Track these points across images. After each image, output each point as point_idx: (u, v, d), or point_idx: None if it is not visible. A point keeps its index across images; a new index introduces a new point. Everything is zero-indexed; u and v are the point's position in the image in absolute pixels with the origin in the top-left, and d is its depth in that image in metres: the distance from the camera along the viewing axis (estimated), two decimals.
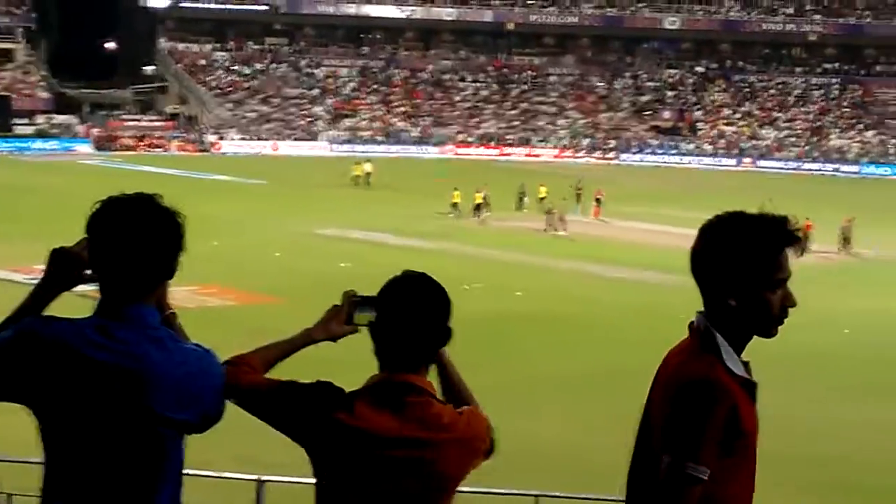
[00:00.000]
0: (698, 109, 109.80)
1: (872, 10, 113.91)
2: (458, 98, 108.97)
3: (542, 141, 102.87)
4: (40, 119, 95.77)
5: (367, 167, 71.40)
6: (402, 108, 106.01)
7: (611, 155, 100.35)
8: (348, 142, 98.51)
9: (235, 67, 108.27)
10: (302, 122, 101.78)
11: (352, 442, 3.75)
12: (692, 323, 3.88)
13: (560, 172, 79.62)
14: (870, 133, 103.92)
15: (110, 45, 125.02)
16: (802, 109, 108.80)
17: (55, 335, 3.57)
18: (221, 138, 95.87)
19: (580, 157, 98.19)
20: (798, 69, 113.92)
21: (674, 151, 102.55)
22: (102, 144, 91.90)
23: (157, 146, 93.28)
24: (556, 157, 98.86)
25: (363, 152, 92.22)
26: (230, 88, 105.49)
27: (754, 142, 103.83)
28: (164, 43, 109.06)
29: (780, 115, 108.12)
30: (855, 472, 22.51)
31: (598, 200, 59.03)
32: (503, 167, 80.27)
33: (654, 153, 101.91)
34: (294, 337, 4.10)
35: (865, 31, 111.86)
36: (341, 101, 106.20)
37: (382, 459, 3.76)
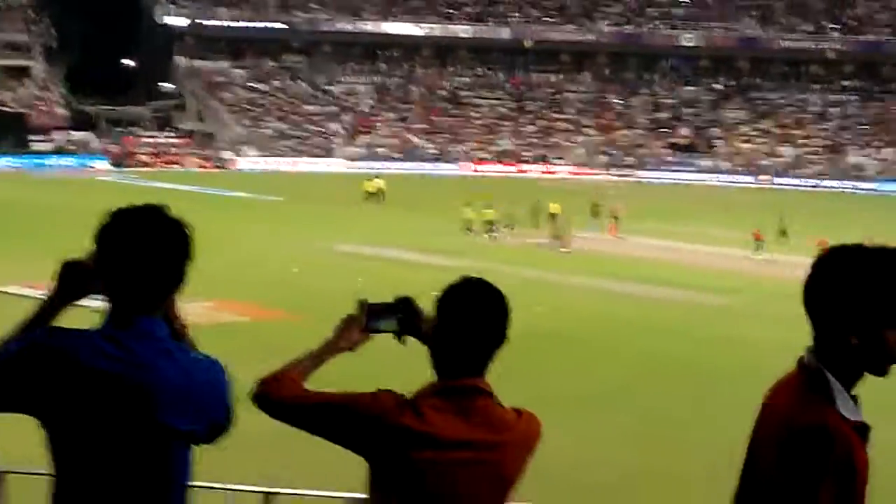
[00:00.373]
0: (716, 126, 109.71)
1: (891, 27, 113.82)
2: (475, 115, 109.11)
3: (559, 158, 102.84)
4: (57, 136, 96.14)
5: (380, 183, 71.50)
6: (420, 125, 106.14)
7: (628, 172, 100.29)
8: (365, 158, 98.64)
9: (253, 84, 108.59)
10: (319, 139, 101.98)
11: (421, 446, 3.79)
12: (801, 359, 3.72)
13: (577, 189, 79.63)
14: (888, 150, 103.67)
15: (129, 62, 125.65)
16: (820, 127, 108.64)
17: (64, 346, 3.57)
18: (238, 155, 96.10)
19: (597, 174, 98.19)
20: (816, 86, 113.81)
21: (691, 168, 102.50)
22: (119, 161, 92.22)
23: (174, 163, 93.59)
24: (573, 173, 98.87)
25: (380, 169, 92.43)
26: (247, 105, 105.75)
27: (772, 159, 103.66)
28: (181, 60, 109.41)
29: (797, 132, 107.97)
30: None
31: (615, 218, 58.97)
32: (520, 184, 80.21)
33: (671, 170, 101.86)
34: (319, 350, 4.12)
35: (884, 48, 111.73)
36: (358, 118, 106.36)
37: (452, 462, 3.82)
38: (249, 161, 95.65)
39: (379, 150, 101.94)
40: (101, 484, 3.61)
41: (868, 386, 3.71)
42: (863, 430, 3.55)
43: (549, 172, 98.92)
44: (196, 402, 3.65)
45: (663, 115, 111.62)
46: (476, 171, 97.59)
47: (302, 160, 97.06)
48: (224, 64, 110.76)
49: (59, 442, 3.63)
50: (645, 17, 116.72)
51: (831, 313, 3.53)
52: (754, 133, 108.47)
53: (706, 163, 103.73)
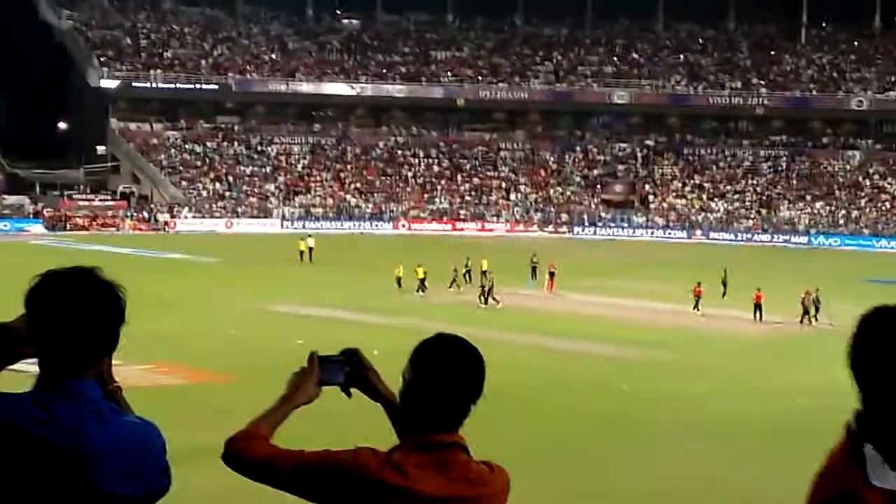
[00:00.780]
0: (649, 183, 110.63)
1: (817, 83, 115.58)
2: (410, 174, 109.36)
3: (494, 216, 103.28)
4: None
5: (311, 242, 71.98)
6: (355, 185, 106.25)
7: (563, 229, 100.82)
8: (302, 218, 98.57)
9: (187, 146, 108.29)
10: (255, 200, 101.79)
11: (404, 503, 3.77)
12: (847, 423, 3.54)
13: (513, 247, 79.93)
14: (819, 204, 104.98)
15: (62, 125, 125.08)
16: (752, 181, 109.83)
17: None
18: (175, 217, 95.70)
19: (533, 231, 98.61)
20: (746, 142, 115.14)
21: (625, 225, 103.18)
22: (55, 225, 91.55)
23: (110, 226, 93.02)
24: (508, 231, 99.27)
25: (317, 228, 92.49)
26: (182, 167, 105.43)
27: (705, 214, 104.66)
28: (115, 123, 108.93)
29: (729, 187, 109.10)
30: None
31: (551, 274, 59.22)
32: (455, 242, 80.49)
33: (606, 226, 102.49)
34: (279, 405, 4.04)
35: (811, 103, 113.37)
36: (294, 178, 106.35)
37: None
38: (186, 223, 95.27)
39: (315, 209, 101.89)
40: None
41: None
42: None
43: (485, 230, 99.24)
44: (130, 465, 3.55)
45: (596, 171, 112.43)
46: (412, 229, 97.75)
47: (238, 221, 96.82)
48: (158, 126, 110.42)
49: None
50: (576, 75, 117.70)
51: (877, 376, 3.36)
52: (687, 188, 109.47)
53: (640, 219, 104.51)
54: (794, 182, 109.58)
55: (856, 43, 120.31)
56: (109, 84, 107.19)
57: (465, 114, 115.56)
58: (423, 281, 56.27)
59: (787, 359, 41.95)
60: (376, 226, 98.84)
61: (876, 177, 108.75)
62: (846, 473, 3.36)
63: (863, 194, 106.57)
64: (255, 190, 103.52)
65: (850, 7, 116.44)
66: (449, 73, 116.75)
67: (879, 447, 3.35)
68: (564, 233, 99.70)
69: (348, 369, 4.12)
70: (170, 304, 47.08)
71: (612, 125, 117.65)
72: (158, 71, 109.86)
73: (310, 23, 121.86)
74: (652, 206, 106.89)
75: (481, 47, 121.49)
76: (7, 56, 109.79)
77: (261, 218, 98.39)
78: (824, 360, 41.35)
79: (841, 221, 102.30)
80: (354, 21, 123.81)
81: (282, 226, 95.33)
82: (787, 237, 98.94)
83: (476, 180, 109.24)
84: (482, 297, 53.03)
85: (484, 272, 57.89)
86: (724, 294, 55.79)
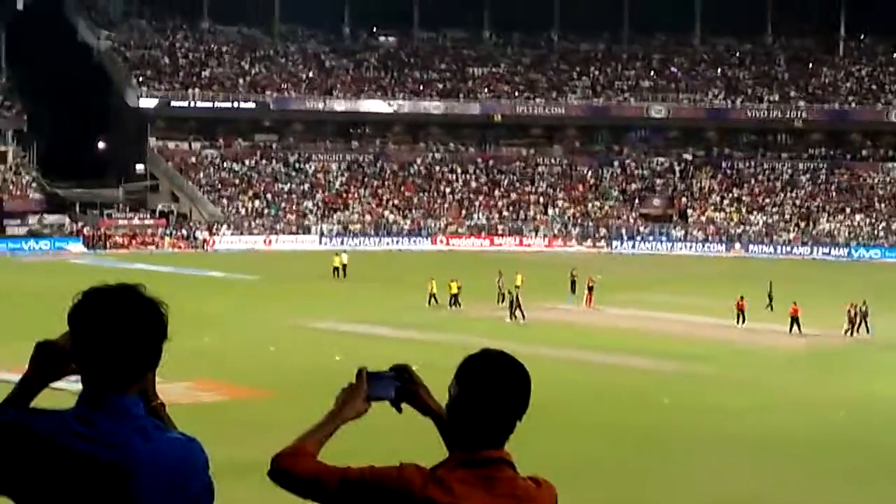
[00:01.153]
0: (687, 196, 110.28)
1: (856, 95, 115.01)
2: (447, 190, 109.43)
3: (532, 231, 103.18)
4: (32, 219, 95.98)
5: (344, 258, 72.65)
6: (393, 201, 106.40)
7: (602, 243, 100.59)
8: (340, 235, 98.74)
9: (226, 164, 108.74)
10: (293, 217, 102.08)
11: None
12: None
13: (552, 262, 79.83)
14: (858, 216, 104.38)
15: (101, 145, 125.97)
16: (791, 194, 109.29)
17: (36, 427, 3.52)
18: (213, 235, 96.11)
19: (571, 246, 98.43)
20: (785, 155, 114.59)
21: (664, 239, 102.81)
22: (94, 243, 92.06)
23: (150, 244, 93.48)
24: (546, 246, 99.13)
25: (354, 245, 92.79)
26: (220, 185, 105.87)
27: (744, 227, 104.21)
28: (153, 142, 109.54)
29: (768, 200, 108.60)
30: None
31: (590, 289, 59.09)
32: (493, 257, 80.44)
33: (644, 241, 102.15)
34: (327, 420, 4.01)
35: (850, 116, 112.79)
36: (332, 196, 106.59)
37: None
38: (225, 240, 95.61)
39: (353, 226, 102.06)
40: None
41: None
42: None
43: (523, 245, 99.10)
44: (173, 481, 3.56)
45: (635, 185, 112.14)
46: (450, 245, 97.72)
47: (277, 238, 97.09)
48: (196, 144, 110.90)
49: None
50: (613, 90, 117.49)
51: None
52: (725, 202, 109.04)
53: (679, 233, 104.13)
54: (834, 195, 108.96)
55: (895, 55, 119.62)
56: (148, 103, 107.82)
57: (503, 129, 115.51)
58: (455, 296, 56.31)
59: (827, 372, 41.74)
60: (414, 242, 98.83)
61: None
62: None
63: None
64: (294, 207, 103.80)
65: (889, 19, 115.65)
66: (486, 89, 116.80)
67: None
68: (603, 247, 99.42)
69: (399, 384, 4.10)
70: (210, 321, 47.26)
71: (650, 139, 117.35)
72: (196, 90, 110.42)
73: (347, 41, 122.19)
74: (690, 219, 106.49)
75: (518, 63, 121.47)
76: (46, 77, 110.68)
77: (299, 235, 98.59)
78: (864, 374, 41.21)
79: (881, 234, 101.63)
80: (391, 38, 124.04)
81: (320, 242, 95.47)
82: (826, 250, 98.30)
83: (514, 195, 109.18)
84: (511, 312, 52.87)
85: (517, 287, 57.97)
86: (768, 307, 55.35)
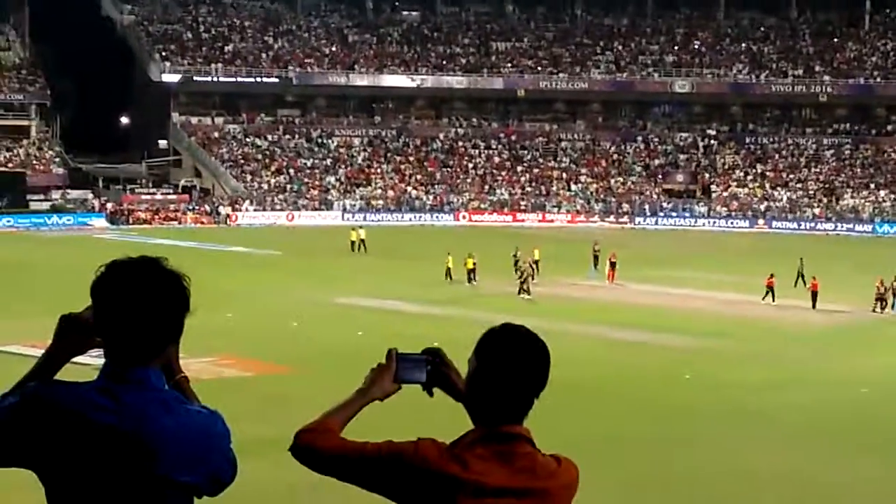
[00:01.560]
0: (710, 172, 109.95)
1: (881, 69, 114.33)
2: (470, 165, 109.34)
3: (555, 206, 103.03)
4: (55, 194, 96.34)
5: (361, 233, 72.80)
6: (416, 177, 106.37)
7: (624, 219, 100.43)
8: (362, 210, 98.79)
9: (248, 139, 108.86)
10: (316, 192, 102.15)
11: (466, 495, 3.75)
12: None
13: (574, 237, 79.76)
14: (883, 192, 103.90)
15: (123, 120, 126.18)
16: (815, 170, 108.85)
17: (59, 399, 3.55)
18: (236, 210, 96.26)
19: (593, 222, 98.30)
20: (809, 130, 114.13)
21: (687, 214, 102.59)
22: (117, 218, 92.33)
23: (172, 219, 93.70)
24: (569, 222, 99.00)
25: (377, 221, 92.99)
26: (243, 160, 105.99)
27: (767, 203, 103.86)
28: (176, 117, 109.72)
29: (792, 175, 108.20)
30: None
31: (612, 264, 58.93)
32: (515, 233, 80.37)
33: (667, 216, 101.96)
34: (352, 399, 4.03)
35: (875, 90, 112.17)
36: (354, 171, 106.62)
37: None
38: (247, 216, 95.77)
39: (375, 201, 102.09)
40: None
41: None
42: None
43: (546, 221, 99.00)
44: (194, 453, 3.59)
45: (658, 161, 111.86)
46: (472, 221, 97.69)
47: (299, 213, 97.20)
48: (219, 119, 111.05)
49: (56, 496, 3.60)
50: (637, 65, 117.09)
51: None
52: (749, 177, 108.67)
53: (702, 208, 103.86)
54: (858, 170, 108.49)
55: None
56: (171, 78, 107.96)
57: (526, 105, 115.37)
58: (472, 271, 56.22)
59: (851, 348, 41.61)
60: (437, 217, 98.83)
61: None
62: None
63: None
64: (316, 182, 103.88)
65: None
66: (509, 64, 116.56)
67: None
68: (626, 223, 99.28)
69: (430, 368, 4.10)
70: (232, 296, 47.36)
71: (674, 114, 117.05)
72: (219, 65, 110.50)
73: (369, 15, 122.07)
74: (714, 195, 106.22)
75: (541, 38, 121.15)
76: (70, 52, 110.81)
77: (322, 210, 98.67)
78: (890, 350, 41.05)
79: None
80: (414, 13, 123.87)
81: (343, 218, 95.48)
82: (850, 226, 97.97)
83: (536, 171, 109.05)
84: (520, 288, 52.56)
85: (536, 262, 58.01)
86: (798, 282, 54.90)
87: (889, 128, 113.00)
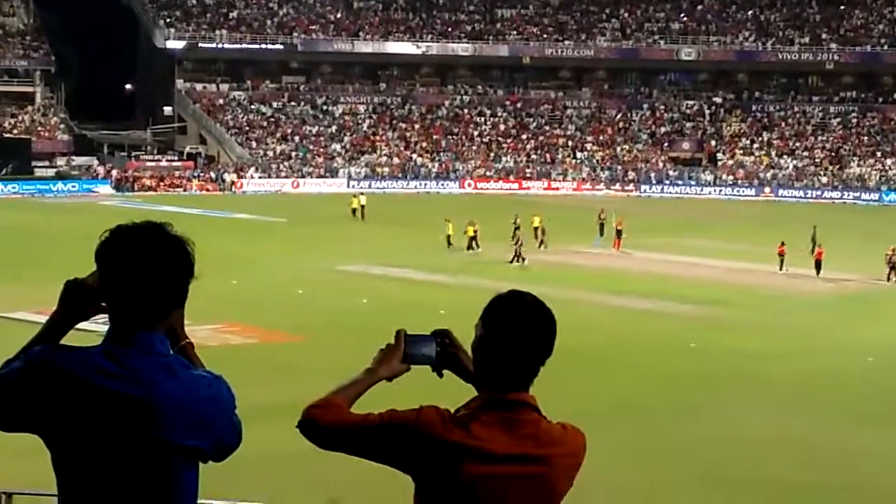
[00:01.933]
0: (717, 140, 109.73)
1: (888, 37, 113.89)
2: (475, 133, 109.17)
3: (560, 174, 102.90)
4: (60, 161, 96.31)
5: (362, 200, 73.22)
6: (421, 144, 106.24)
7: (630, 187, 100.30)
8: (368, 178, 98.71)
9: (253, 106, 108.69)
10: (321, 160, 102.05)
11: (470, 461, 3.76)
12: None
13: (580, 205, 79.73)
14: (890, 160, 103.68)
15: (128, 86, 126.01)
16: (821, 138, 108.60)
17: (64, 364, 3.55)
18: (241, 177, 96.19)
19: (599, 190, 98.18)
20: (815, 98, 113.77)
21: (693, 182, 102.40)
22: (122, 185, 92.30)
23: (177, 186, 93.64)
24: (575, 189, 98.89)
25: (382, 188, 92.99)
26: (248, 127, 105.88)
27: (773, 171, 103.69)
28: (181, 84, 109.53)
29: (798, 144, 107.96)
30: (872, 500, 22.40)
31: (618, 232, 58.89)
32: (520, 201, 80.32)
33: (673, 184, 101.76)
34: (360, 378, 4.02)
35: (882, 58, 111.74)
36: (360, 138, 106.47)
37: (501, 476, 3.79)
38: (252, 183, 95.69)
39: (380, 169, 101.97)
40: (105, 501, 3.58)
41: None
42: None
43: (552, 189, 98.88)
44: (199, 417, 3.59)
45: (664, 129, 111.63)
46: (478, 188, 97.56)
47: (304, 181, 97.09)
48: (224, 86, 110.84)
49: (61, 460, 3.61)
50: (643, 32, 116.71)
51: None
52: (755, 146, 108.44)
53: (708, 176, 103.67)
54: (865, 138, 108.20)
55: None
56: (175, 45, 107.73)
57: (531, 72, 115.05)
58: (473, 239, 56.13)
59: (857, 317, 41.64)
60: (442, 185, 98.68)
61: None
62: None
63: None
64: (321, 150, 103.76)
65: None
66: (514, 31, 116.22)
67: None
68: (631, 191, 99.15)
69: (439, 349, 4.08)
70: (237, 263, 47.42)
71: (680, 82, 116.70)
72: (224, 31, 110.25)
73: None
74: (720, 163, 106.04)
75: (547, 5, 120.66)
76: (74, 18, 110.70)
77: (327, 178, 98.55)
78: (894, 319, 41.06)
79: None
80: None
81: (348, 185, 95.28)
82: (857, 194, 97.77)
83: (542, 139, 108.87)
84: (515, 256, 52.37)
85: (536, 228, 58.04)
86: (812, 251, 54.35)
87: None
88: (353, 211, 72.07)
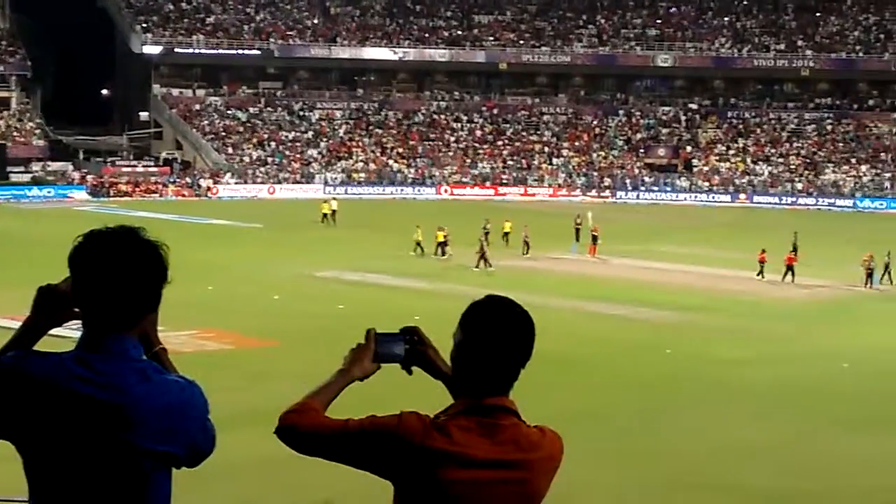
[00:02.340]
0: (692, 146, 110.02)
1: (863, 44, 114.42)
2: (452, 139, 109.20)
3: (536, 180, 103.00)
4: (36, 166, 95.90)
5: (334, 205, 73.30)
6: (397, 150, 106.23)
7: (606, 193, 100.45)
8: (344, 184, 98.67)
9: (230, 112, 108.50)
10: (297, 165, 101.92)
11: (450, 466, 3.77)
12: None
13: (557, 212, 79.81)
14: (864, 167, 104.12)
15: (104, 92, 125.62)
16: (796, 144, 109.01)
17: (35, 369, 3.54)
18: (217, 183, 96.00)
19: (576, 196, 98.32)
20: (791, 104, 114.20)
21: (669, 188, 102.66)
22: (98, 191, 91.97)
23: (153, 192, 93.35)
24: (551, 195, 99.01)
25: (358, 194, 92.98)
26: (224, 133, 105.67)
27: (749, 177, 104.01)
28: (157, 89, 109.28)
29: (774, 150, 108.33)
30: None
31: (594, 238, 59.01)
32: (497, 207, 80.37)
33: (649, 190, 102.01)
34: (333, 380, 4.02)
35: (857, 65, 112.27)
36: (336, 144, 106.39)
37: (480, 482, 3.79)
38: (228, 189, 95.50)
39: (357, 174, 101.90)
40: None
41: None
42: None
43: (528, 195, 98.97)
44: (172, 422, 3.58)
45: (640, 135, 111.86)
46: (454, 195, 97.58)
47: (281, 186, 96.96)
48: (200, 91, 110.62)
49: (33, 466, 3.60)
50: (620, 39, 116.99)
51: None
52: (731, 152, 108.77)
53: (684, 182, 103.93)
54: (840, 145, 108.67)
55: None
56: (152, 50, 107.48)
57: (508, 78, 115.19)
58: (442, 244, 56.02)
59: (832, 323, 41.77)
60: (419, 191, 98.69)
61: None
62: None
63: None
64: (298, 155, 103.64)
65: None
66: (491, 38, 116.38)
67: None
68: (607, 197, 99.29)
69: (408, 347, 4.09)
70: (213, 269, 47.33)
71: (656, 88, 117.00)
72: (201, 36, 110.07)
73: None
74: (696, 169, 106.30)
75: (524, 11, 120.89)
76: (50, 23, 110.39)
77: (303, 183, 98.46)
78: (872, 325, 41.23)
79: (887, 185, 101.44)
80: None
81: (324, 191, 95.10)
82: (832, 201, 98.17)
83: (518, 145, 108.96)
84: (480, 259, 52.30)
85: (506, 234, 58.31)
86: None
87: (871, 102, 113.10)
88: (324, 216, 72.02)
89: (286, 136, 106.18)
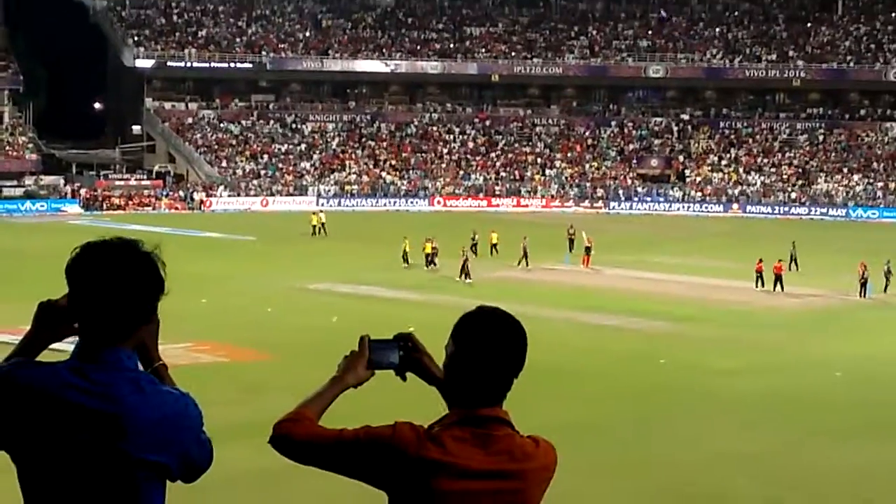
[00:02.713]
0: (685, 157, 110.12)
1: (854, 54, 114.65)
2: (445, 150, 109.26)
3: (529, 191, 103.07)
4: (28, 180, 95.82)
5: (322, 217, 73.80)
6: (390, 162, 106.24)
7: (599, 204, 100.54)
8: (337, 196, 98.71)
9: (222, 125, 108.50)
10: (290, 178, 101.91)
11: (443, 477, 3.78)
12: None
13: (550, 222, 79.82)
14: (856, 176, 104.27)
15: (97, 105, 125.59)
16: (788, 154, 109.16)
17: (30, 379, 3.57)
18: (210, 196, 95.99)
19: (568, 207, 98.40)
20: (783, 114, 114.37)
21: (662, 199, 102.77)
22: (91, 204, 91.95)
23: (146, 205, 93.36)
24: (544, 206, 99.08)
25: (352, 206, 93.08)
26: (217, 146, 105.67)
27: (741, 187, 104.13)
28: (150, 102, 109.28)
29: (766, 160, 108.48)
30: None
31: (587, 249, 59.04)
32: (490, 218, 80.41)
33: (642, 201, 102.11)
34: (327, 387, 4.03)
35: (848, 75, 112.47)
36: (329, 156, 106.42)
37: (474, 492, 3.80)
38: (221, 201, 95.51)
39: (350, 187, 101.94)
40: None
41: None
42: None
43: (521, 206, 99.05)
44: (165, 433, 3.60)
45: (632, 146, 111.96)
46: (447, 206, 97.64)
47: (274, 199, 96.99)
48: (193, 105, 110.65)
49: (27, 476, 3.62)
50: (611, 50, 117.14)
51: None
52: (723, 162, 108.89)
53: (676, 193, 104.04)
54: (832, 155, 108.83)
55: (893, 14, 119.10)
56: (144, 64, 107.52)
57: (500, 89, 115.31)
58: (430, 255, 56.07)
59: (825, 332, 41.80)
60: (412, 203, 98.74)
61: None
62: None
63: None
64: (291, 168, 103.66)
65: None
66: (483, 49, 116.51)
67: None
68: (600, 208, 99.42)
69: (402, 353, 4.10)
70: (207, 282, 47.30)
71: (648, 99, 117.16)
72: (193, 50, 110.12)
73: (343, 0, 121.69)
74: (688, 180, 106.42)
75: (516, 23, 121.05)
76: (43, 37, 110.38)
77: (296, 196, 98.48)
78: (863, 333, 41.27)
79: (879, 194, 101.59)
80: None
81: (317, 204, 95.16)
82: (824, 210, 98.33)
83: (511, 156, 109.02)
84: (462, 271, 52.30)
85: (493, 245, 58.62)
86: (790, 268, 54.39)
87: (862, 112, 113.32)
88: (314, 228, 72.24)
89: (279, 149, 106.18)
